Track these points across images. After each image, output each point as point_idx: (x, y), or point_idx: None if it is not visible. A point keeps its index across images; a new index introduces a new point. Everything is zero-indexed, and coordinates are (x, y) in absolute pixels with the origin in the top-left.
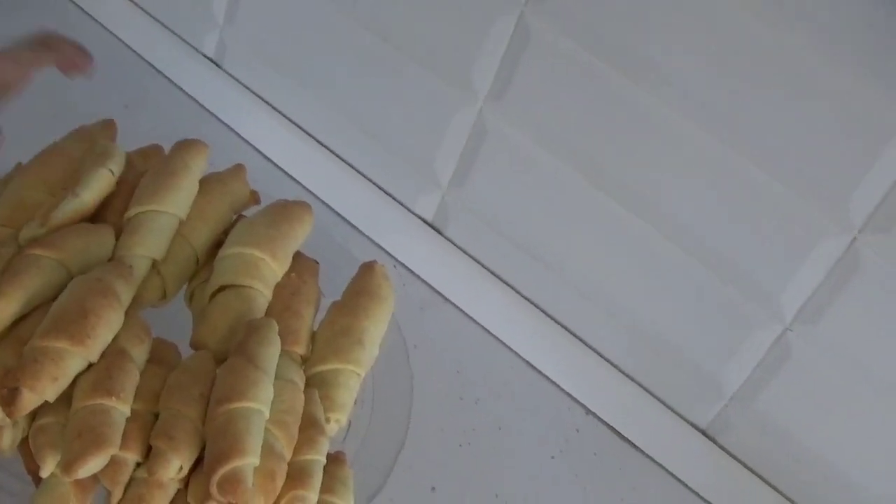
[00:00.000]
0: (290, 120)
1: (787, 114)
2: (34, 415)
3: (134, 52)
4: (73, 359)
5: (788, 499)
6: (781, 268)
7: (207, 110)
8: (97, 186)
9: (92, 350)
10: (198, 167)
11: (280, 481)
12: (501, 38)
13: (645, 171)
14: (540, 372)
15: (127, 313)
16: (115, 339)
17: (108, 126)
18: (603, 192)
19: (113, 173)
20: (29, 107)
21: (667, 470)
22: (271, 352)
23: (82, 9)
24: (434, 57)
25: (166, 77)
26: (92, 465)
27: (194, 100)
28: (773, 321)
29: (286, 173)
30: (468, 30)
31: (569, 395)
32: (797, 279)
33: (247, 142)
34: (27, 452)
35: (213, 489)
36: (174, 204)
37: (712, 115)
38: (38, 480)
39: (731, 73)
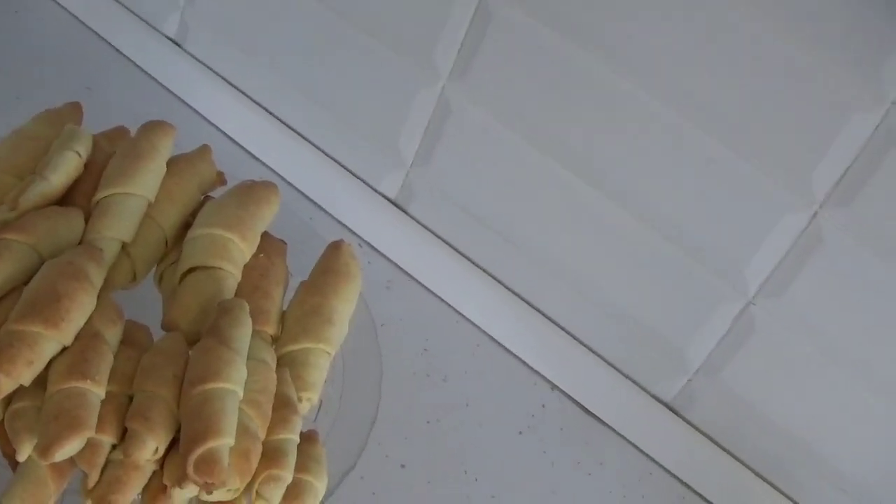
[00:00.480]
0: (253, 100)
1: (749, 90)
2: (9, 399)
3: (95, 33)
4: (48, 342)
5: (755, 471)
6: (745, 242)
7: (170, 91)
8: (65, 169)
9: (66, 333)
10: (165, 149)
11: (255, 461)
12: (463, 16)
13: (607, 148)
14: (505, 348)
15: (98, 296)
16: (88, 322)
17: (74, 109)
18: (565, 168)
19: (80, 156)
20: None
21: (633, 444)
22: (243, 332)
23: None
24: (396, 35)
25: (128, 58)
26: (68, 448)
27: (156, 81)
28: (737, 295)
29: (250, 153)
30: (430, 8)
31: (534, 370)
32: (760, 253)
33: (210, 122)
34: (3, 436)
35: (190, 470)
36: (142, 186)
37: (674, 90)
38: (14, 464)
39: (692, 49)
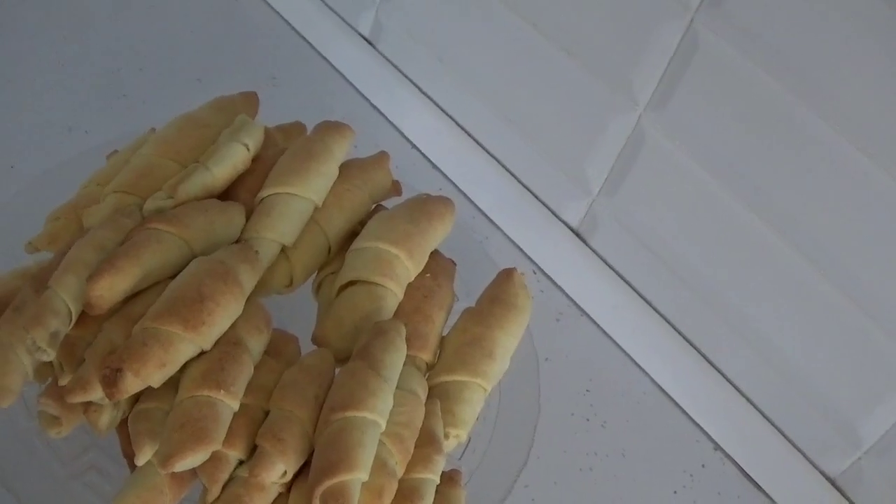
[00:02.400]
0: (441, 108)
1: None
2: (137, 397)
3: (287, 23)
4: (185, 345)
5: None
6: None
7: (357, 90)
8: (230, 162)
9: (206, 337)
10: (340, 151)
11: (388, 500)
12: (668, 44)
13: (809, 201)
14: (672, 399)
15: (248, 299)
16: (232, 328)
17: (249, 99)
18: (761, 220)
19: (248, 149)
20: (173, 68)
21: None
22: (396, 359)
23: None
24: (596, 57)
25: (318, 52)
26: (191, 461)
27: (345, 78)
28: None
29: (431, 162)
30: (634, 32)
31: (699, 426)
32: None
33: (394, 126)
34: (125, 435)
35: (316, 502)
36: (311, 188)
37: (884, 146)
38: (133, 465)
39: None
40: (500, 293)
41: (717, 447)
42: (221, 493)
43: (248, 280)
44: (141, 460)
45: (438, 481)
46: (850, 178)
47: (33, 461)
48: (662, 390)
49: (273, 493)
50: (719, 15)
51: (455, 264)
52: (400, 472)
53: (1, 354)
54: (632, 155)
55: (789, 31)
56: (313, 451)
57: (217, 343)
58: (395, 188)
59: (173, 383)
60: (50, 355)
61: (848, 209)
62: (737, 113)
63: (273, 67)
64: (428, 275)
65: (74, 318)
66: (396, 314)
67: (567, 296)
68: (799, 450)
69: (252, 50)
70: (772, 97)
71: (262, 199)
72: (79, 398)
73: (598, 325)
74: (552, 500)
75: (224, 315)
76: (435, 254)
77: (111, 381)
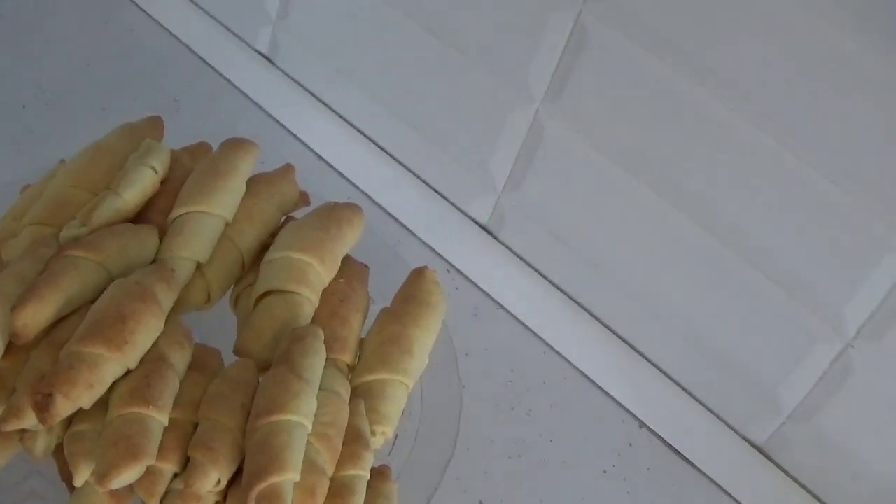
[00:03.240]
0: (343, 118)
1: (856, 123)
2: (69, 421)
3: (186, 46)
4: (110, 365)
5: None
6: (845, 281)
7: (259, 106)
8: (140, 185)
9: (130, 356)
10: (246, 167)
11: (321, 498)
12: (559, 38)
13: (706, 178)
14: (594, 382)
15: (168, 318)
16: (154, 345)
17: (155, 123)
18: (662, 197)
19: (156, 172)
20: (77, 100)
21: (722, 488)
22: (316, 362)
23: (135, 3)
24: (489, 56)
25: (218, 72)
26: (126, 476)
27: (246, 96)
28: (835, 336)
29: (338, 172)
30: (524, 28)
31: (623, 407)
32: (861, 293)
33: (299, 139)
34: (62, 459)
35: None
36: (221, 205)
37: (776, 120)
38: (72, 487)
39: (799, 78)
40: (413, 291)
41: (643, 425)
42: None
43: (166, 297)
44: (79, 481)
45: (369, 477)
46: (743, 151)
47: None
48: (583, 374)
49: (210, 502)
50: (607, 4)
51: (368, 268)
52: (330, 470)
53: None
54: (532, 148)
55: (675, 14)
56: (245, 457)
57: (141, 361)
58: (304, 199)
59: (103, 404)
60: None
61: (745, 181)
62: (630, 97)
63: (175, 91)
64: (342, 280)
65: (1, 350)
66: (314, 320)
67: (482, 291)
68: (723, 420)
69: (153, 75)
70: (662, 80)
71: (174, 219)
72: (13, 426)
73: (514, 317)
74: (483, 490)
75: (145, 333)
76: (347, 259)
77: (43, 406)
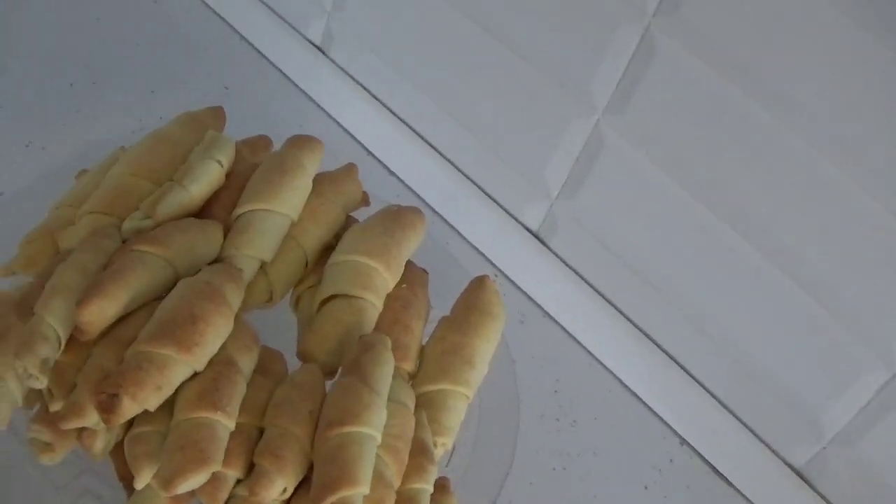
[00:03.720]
0: (396, 114)
1: None
2: (130, 421)
3: (237, 32)
4: (179, 367)
5: None
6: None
7: (309, 97)
8: (206, 179)
9: (199, 358)
10: (312, 166)
11: None
12: (625, 50)
13: (765, 201)
14: (638, 396)
15: (234, 318)
16: (222, 348)
17: (216, 114)
18: (718, 218)
19: (222, 165)
20: (126, 81)
21: None
22: (385, 372)
23: None
24: (554, 62)
25: (269, 61)
26: (192, 482)
27: (296, 86)
28: (883, 366)
29: (388, 169)
30: (591, 37)
31: (665, 423)
32: None
33: (348, 132)
34: (119, 458)
35: None
36: (287, 204)
37: (842, 148)
38: (129, 488)
39: (866, 105)
40: (474, 301)
41: (684, 441)
42: None
43: (235, 299)
44: (141, 483)
45: (432, 490)
46: (805, 174)
47: (25, 488)
48: (627, 388)
49: None
50: (676, 19)
51: (427, 273)
52: (397, 483)
53: None
54: (590, 158)
55: (743, 33)
56: (311, 467)
57: (209, 364)
58: (364, 199)
59: (167, 405)
60: (42, 382)
61: (805, 205)
62: (693, 115)
63: (225, 77)
64: (404, 285)
65: (63, 343)
66: (377, 326)
67: (529, 298)
68: (763, 441)
69: (203, 60)
70: (727, 99)
71: (239, 216)
72: (73, 424)
73: (561, 326)
74: (528, 500)
75: (215, 335)
76: (408, 264)
77: (108, 407)
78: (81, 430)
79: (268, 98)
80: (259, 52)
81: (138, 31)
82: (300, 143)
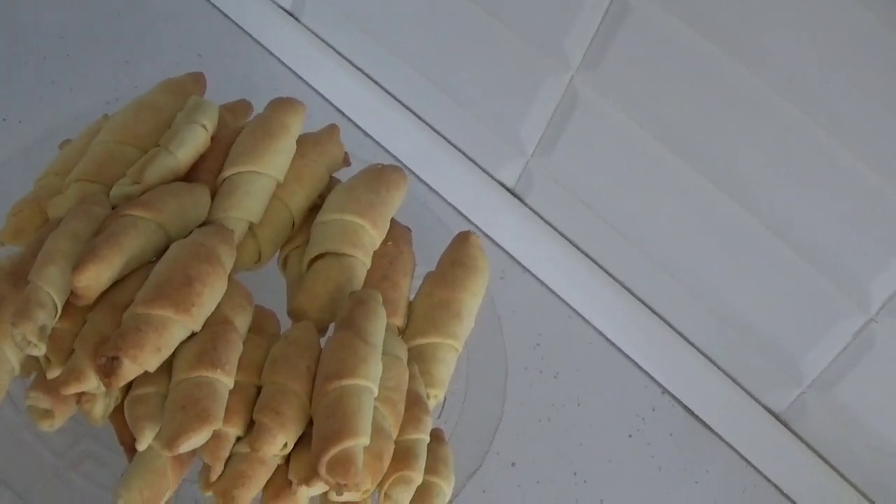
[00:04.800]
0: (371, 77)
1: (891, 104)
2: (130, 383)
3: (209, 1)
4: (177, 328)
5: (861, 491)
6: (871, 257)
7: (283, 63)
8: (192, 144)
9: (197, 318)
10: (296, 127)
11: (387, 462)
12: (599, 5)
13: (739, 152)
14: (618, 348)
15: (227, 279)
16: (217, 308)
17: (198, 80)
18: (693, 169)
19: (207, 129)
20: (99, 52)
21: (740, 454)
22: (379, 325)
23: None
24: (527, 20)
25: (241, 28)
26: (195, 440)
27: (270, 52)
28: (859, 311)
29: (364, 131)
30: None
31: (646, 372)
32: (887, 270)
33: (324, 97)
34: (121, 423)
35: (322, 470)
36: (273, 166)
37: (814, 99)
38: (130, 451)
39: (837, 60)
40: (459, 256)
41: (665, 391)
42: (224, 470)
43: (228, 259)
44: (142, 445)
45: (429, 440)
46: (776, 126)
47: (26, 455)
48: (608, 339)
49: (273, 466)
50: None
51: (411, 230)
52: (394, 434)
53: None
54: (565, 115)
55: None
56: (310, 422)
57: (206, 324)
58: (346, 160)
59: (166, 367)
60: (41, 349)
61: (778, 155)
62: (667, 70)
63: (198, 46)
64: (390, 242)
65: (59, 310)
66: (365, 283)
67: (508, 254)
68: (743, 388)
69: (176, 29)
70: (700, 53)
71: (226, 178)
72: (73, 389)
73: (540, 281)
74: (516, 452)
75: (211, 296)
76: (392, 222)
77: (108, 370)
78: (80, 395)
79: (241, 65)
80: (231, 19)
81: (111, 3)
82: (283, 105)
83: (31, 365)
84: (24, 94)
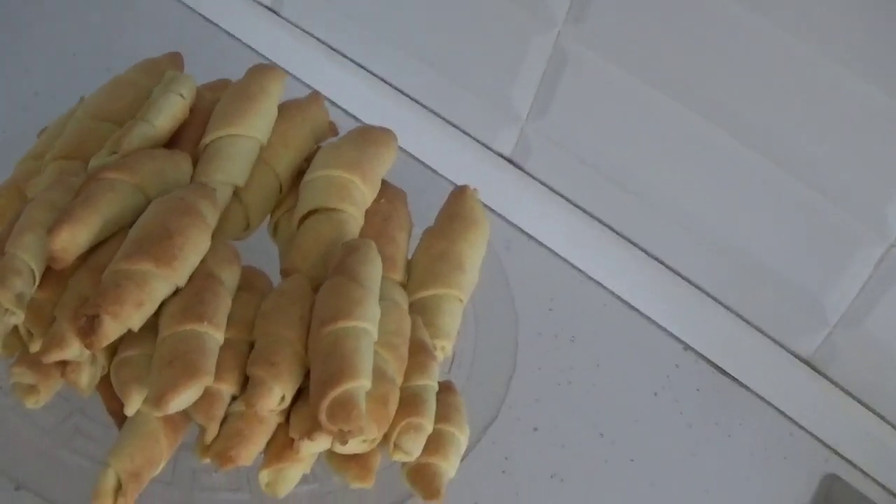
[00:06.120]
0: (355, 62)
1: None
2: (114, 350)
3: (186, 5)
4: (159, 282)
5: None
6: (886, 182)
7: (267, 59)
8: (170, 112)
9: (179, 272)
10: (276, 91)
11: (393, 407)
12: None
13: (739, 87)
14: (633, 307)
15: (212, 240)
16: (202, 263)
17: (174, 58)
18: (693, 112)
19: (184, 98)
20: (80, 61)
21: (772, 404)
22: (373, 270)
23: None
24: None
25: (221, 28)
26: (185, 397)
27: (252, 49)
28: (878, 238)
29: (355, 117)
30: None
31: (665, 329)
32: None
33: (311, 88)
34: (108, 392)
35: (323, 416)
36: (254, 127)
37: (811, 25)
38: (120, 421)
39: None
40: (456, 209)
41: (687, 346)
42: (220, 430)
43: (210, 214)
44: (131, 409)
45: (437, 387)
46: (777, 55)
47: (14, 437)
48: (622, 300)
49: (273, 423)
50: None
51: (405, 192)
52: (399, 380)
53: None
54: (556, 74)
55: None
56: (308, 372)
57: (191, 278)
58: (332, 129)
59: (151, 328)
60: (19, 317)
61: (781, 86)
62: (655, 13)
63: (180, 48)
64: (383, 200)
65: (38, 279)
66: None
67: (512, 224)
68: (768, 336)
69: (156, 35)
70: None
71: (207, 144)
72: (55, 356)
73: (547, 247)
74: (537, 417)
75: (193, 249)
76: (384, 183)
77: (88, 330)
78: (65, 365)
79: (225, 65)
80: (211, 21)
81: (88, 14)
82: (261, 70)
83: (15, 343)
84: (8, 106)
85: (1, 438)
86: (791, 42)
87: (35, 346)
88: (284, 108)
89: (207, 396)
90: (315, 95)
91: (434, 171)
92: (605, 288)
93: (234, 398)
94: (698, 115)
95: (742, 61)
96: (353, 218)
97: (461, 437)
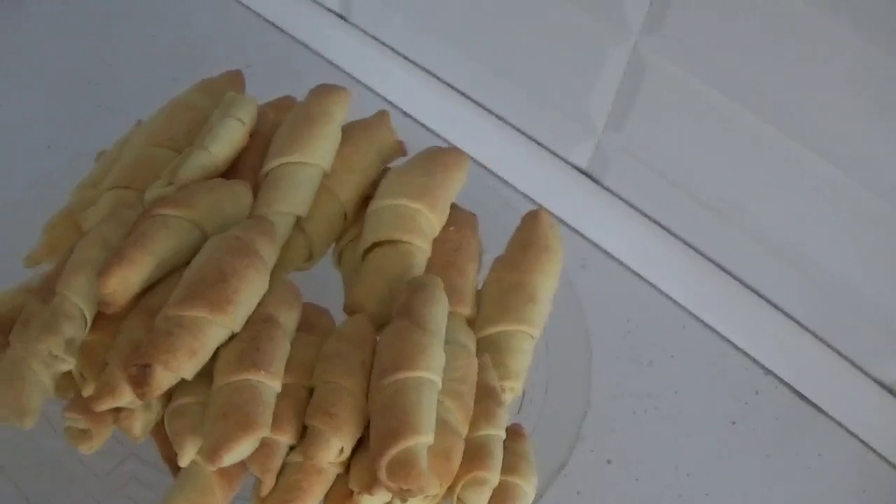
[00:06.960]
0: (427, 70)
1: None
2: (169, 395)
3: (253, 12)
4: (213, 329)
5: None
6: None
7: (337, 66)
8: (228, 139)
9: (234, 318)
10: (340, 114)
11: (457, 461)
12: None
13: (827, 102)
14: (714, 329)
15: (272, 276)
16: (260, 305)
17: (235, 77)
18: (777, 128)
19: (244, 123)
20: (146, 72)
21: (853, 434)
22: (439, 311)
23: None
24: None
25: (290, 35)
26: (240, 451)
27: (322, 56)
28: None
29: (426, 128)
30: None
31: (745, 353)
32: None
33: (381, 96)
34: (163, 438)
35: (382, 474)
36: (317, 154)
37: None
38: (175, 468)
39: None
40: (530, 237)
41: (768, 371)
42: (276, 482)
43: (269, 253)
44: (185, 460)
45: (504, 436)
46: (862, 71)
47: (68, 482)
48: (702, 322)
49: (331, 474)
50: None
51: (475, 216)
52: (463, 430)
53: (15, 372)
54: (633, 85)
55: None
56: (369, 422)
57: (247, 323)
58: (400, 148)
59: (206, 374)
60: (69, 364)
61: (872, 107)
62: (734, 21)
63: (247, 57)
64: (452, 227)
65: (90, 322)
66: (427, 271)
67: (588, 240)
68: (850, 361)
69: (223, 42)
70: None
71: (267, 172)
72: (107, 405)
73: (624, 265)
74: (611, 448)
75: (250, 292)
76: (454, 207)
77: (141, 380)
78: (118, 411)
79: (293, 72)
80: (278, 27)
81: (151, 22)
82: (324, 91)
83: (68, 384)
84: (73, 120)
85: (56, 483)
86: (884, 58)
87: (88, 390)
88: (349, 130)
89: (264, 448)
90: (381, 114)
91: (507, 182)
92: (684, 309)
93: (291, 447)
94: (782, 131)
95: (827, 75)
96: (420, 249)
97: (528, 488)
